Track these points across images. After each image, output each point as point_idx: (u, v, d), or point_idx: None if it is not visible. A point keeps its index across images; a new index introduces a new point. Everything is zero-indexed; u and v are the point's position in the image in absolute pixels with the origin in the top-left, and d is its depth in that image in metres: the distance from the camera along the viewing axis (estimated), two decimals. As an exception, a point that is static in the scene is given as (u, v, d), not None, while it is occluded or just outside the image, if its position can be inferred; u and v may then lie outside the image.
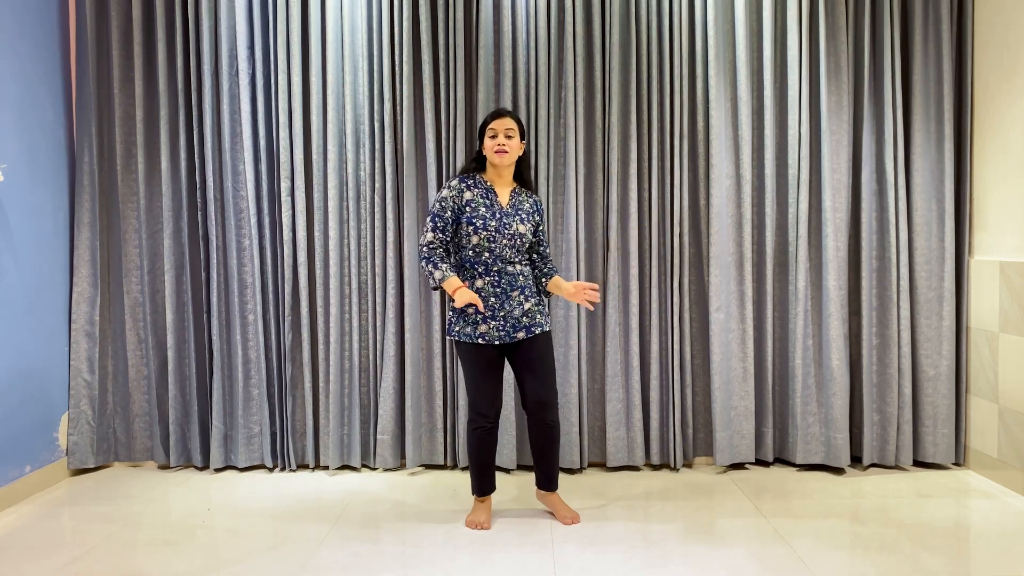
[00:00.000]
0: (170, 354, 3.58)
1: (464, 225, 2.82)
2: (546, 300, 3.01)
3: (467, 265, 2.85)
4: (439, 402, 3.57)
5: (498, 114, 2.86)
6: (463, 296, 2.74)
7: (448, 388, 3.58)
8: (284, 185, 3.53)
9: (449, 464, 3.61)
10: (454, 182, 2.88)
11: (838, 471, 3.50)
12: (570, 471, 3.53)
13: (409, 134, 3.51)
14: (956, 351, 3.53)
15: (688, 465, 3.64)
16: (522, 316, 2.84)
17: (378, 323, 3.57)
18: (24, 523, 3.00)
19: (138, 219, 3.61)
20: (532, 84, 3.51)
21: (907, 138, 3.54)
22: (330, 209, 3.55)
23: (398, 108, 3.54)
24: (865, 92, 3.49)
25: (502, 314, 2.81)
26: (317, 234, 3.56)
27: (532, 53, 3.50)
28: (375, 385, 3.58)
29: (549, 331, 2.93)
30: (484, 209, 2.83)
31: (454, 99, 3.50)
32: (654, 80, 3.51)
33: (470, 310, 2.80)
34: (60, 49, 3.59)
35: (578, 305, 3.47)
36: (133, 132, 3.60)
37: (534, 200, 2.98)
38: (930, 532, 2.80)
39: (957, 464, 3.57)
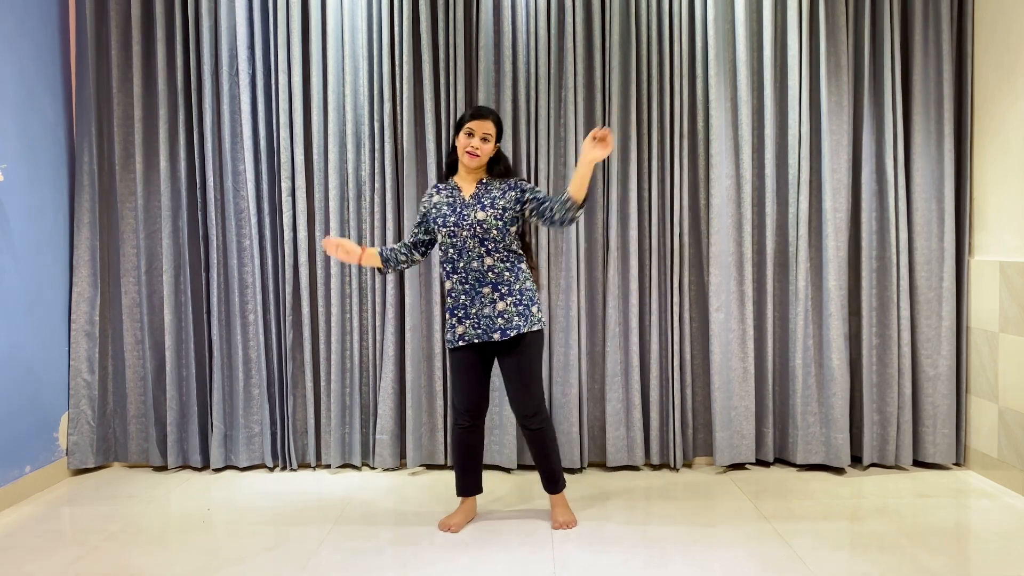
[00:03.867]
0: (168, 355, 3.57)
1: (431, 225, 2.85)
2: (532, 295, 2.78)
3: (445, 266, 2.82)
4: (439, 402, 3.57)
5: (479, 114, 2.76)
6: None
7: (448, 388, 3.58)
8: (284, 185, 3.53)
9: (449, 464, 3.61)
10: (431, 189, 2.94)
11: (838, 471, 3.50)
12: (570, 471, 3.53)
13: (409, 134, 3.51)
14: (956, 351, 3.53)
15: (688, 465, 3.65)
16: (496, 316, 2.73)
17: (378, 323, 3.57)
18: (24, 523, 3.00)
19: (136, 219, 3.61)
20: (532, 84, 3.51)
21: (907, 138, 3.54)
22: (330, 209, 3.55)
23: (398, 108, 3.54)
24: (865, 92, 3.49)
25: (474, 311, 2.75)
26: (318, 234, 3.57)
27: (532, 53, 3.50)
28: (375, 385, 3.59)
29: (532, 332, 2.74)
30: (446, 207, 2.81)
31: (454, 99, 3.50)
32: (654, 80, 3.51)
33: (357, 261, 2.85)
34: (60, 49, 3.59)
35: (578, 304, 3.47)
36: (132, 132, 3.60)
37: (512, 183, 2.81)
38: (930, 532, 2.80)
39: (957, 464, 3.57)
